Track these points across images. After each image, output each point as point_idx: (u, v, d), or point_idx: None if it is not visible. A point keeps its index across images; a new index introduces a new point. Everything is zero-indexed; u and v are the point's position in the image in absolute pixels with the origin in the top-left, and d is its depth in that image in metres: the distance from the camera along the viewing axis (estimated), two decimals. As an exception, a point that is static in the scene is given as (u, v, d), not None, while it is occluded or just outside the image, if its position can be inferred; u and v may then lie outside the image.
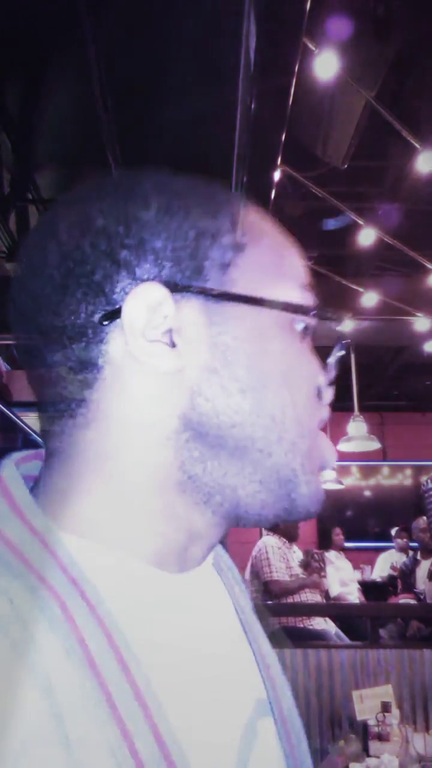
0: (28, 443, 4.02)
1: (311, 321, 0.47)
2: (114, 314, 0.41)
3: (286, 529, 4.22)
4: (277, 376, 0.44)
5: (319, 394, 0.48)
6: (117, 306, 0.41)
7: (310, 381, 0.47)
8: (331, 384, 0.49)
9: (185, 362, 0.42)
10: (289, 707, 0.49)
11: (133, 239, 0.42)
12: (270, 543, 4.12)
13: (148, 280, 0.41)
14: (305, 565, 4.25)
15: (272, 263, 0.46)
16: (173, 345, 0.42)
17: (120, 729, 0.34)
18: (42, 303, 0.43)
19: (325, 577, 4.39)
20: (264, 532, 4.69)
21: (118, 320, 0.41)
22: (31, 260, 0.45)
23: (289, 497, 0.44)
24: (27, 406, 7.40)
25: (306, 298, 0.46)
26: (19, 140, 3.89)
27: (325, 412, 0.48)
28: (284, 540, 4.18)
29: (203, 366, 0.42)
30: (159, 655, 0.39)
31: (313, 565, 4.28)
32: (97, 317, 0.41)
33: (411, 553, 5.36)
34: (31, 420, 6.76)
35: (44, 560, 0.38)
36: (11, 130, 3.78)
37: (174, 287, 0.42)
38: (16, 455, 0.45)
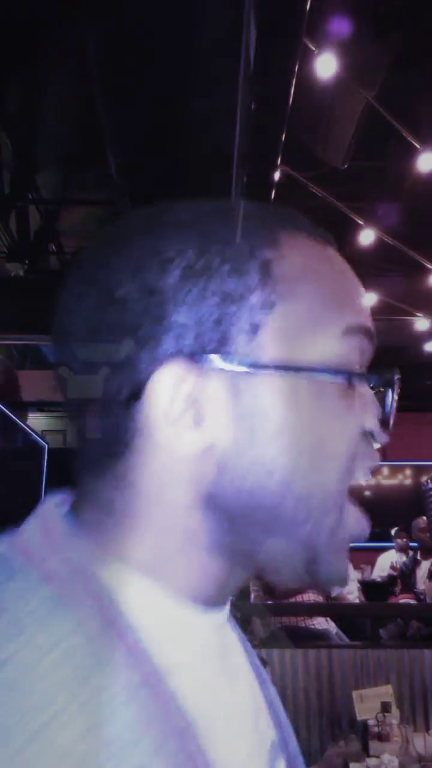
0: (28, 443, 4.03)
1: (363, 380, 0.44)
2: (138, 393, 0.40)
3: None
4: (309, 452, 0.42)
5: (370, 438, 0.45)
6: (141, 384, 0.40)
7: (350, 443, 0.43)
8: (384, 424, 0.46)
9: (210, 441, 0.41)
10: (294, 748, 0.51)
11: (153, 313, 0.40)
12: None
13: (170, 356, 0.40)
14: None
15: (310, 314, 0.42)
16: (198, 423, 0.41)
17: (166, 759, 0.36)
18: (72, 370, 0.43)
19: None
20: None
21: (144, 397, 0.40)
22: (61, 326, 0.44)
23: (313, 572, 0.43)
24: (27, 406, 7.39)
25: (352, 347, 0.44)
26: (20, 140, 3.88)
27: (375, 457, 0.46)
28: None
29: (230, 443, 0.41)
30: (200, 692, 0.41)
31: None
32: (123, 394, 0.41)
33: (411, 553, 5.36)
34: (31, 420, 6.75)
35: (112, 604, 0.39)
36: (12, 130, 3.78)
37: (197, 361, 0.40)
38: (58, 498, 0.45)
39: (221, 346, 0.40)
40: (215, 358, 0.40)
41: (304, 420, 0.41)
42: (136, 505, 0.42)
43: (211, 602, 0.44)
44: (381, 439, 0.46)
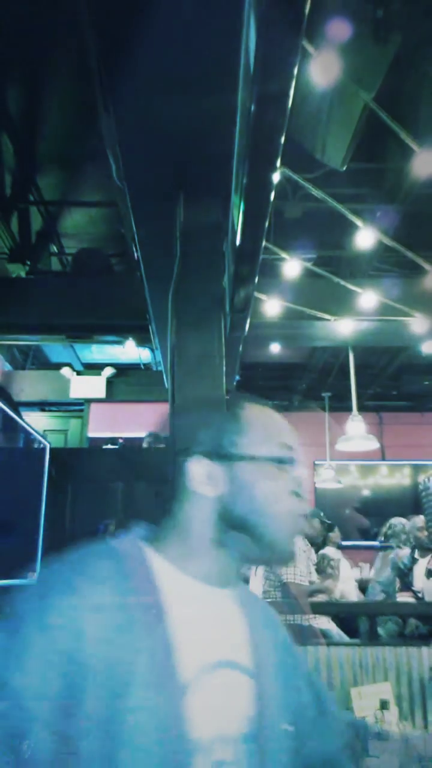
0: (29, 444, 4.05)
1: (287, 464, 0.91)
2: (186, 472, 0.91)
3: (311, 534, 4.27)
4: (265, 494, 0.89)
5: (295, 495, 0.91)
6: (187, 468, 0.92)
7: (287, 494, 0.90)
8: (297, 492, 0.92)
9: (221, 493, 0.89)
10: (271, 678, 0.91)
11: (192, 438, 0.93)
12: (298, 544, 4.14)
13: (200, 454, 0.91)
14: (320, 570, 4.30)
15: (263, 437, 0.92)
16: (213, 485, 0.90)
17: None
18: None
19: (336, 584, 4.45)
20: None
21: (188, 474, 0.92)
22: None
23: (274, 553, 0.90)
24: (28, 406, 7.38)
25: (284, 452, 0.91)
26: (21, 142, 3.90)
27: (304, 506, 0.93)
28: (307, 542, 4.22)
29: (230, 494, 0.89)
30: (187, 612, 0.85)
31: (327, 571, 4.33)
32: (182, 473, 0.92)
33: (409, 551, 5.37)
34: (32, 419, 6.73)
35: (150, 580, 0.86)
36: (13, 132, 3.80)
37: (211, 457, 0.90)
38: (141, 532, 0.94)
39: (223, 452, 0.90)
40: (221, 456, 0.90)
41: (260, 482, 0.90)
42: (188, 525, 0.90)
43: (213, 582, 0.90)
44: (300, 498, 0.92)
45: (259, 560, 0.93)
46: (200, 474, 0.90)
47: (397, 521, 4.78)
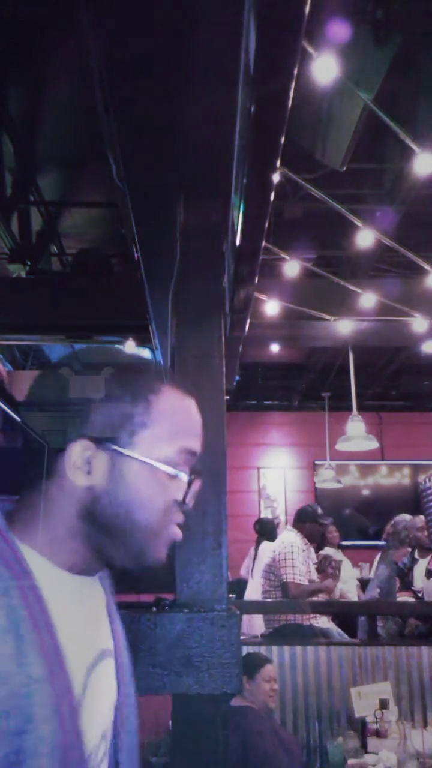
0: (29, 443, 4.03)
1: (180, 473, 0.82)
2: (64, 449, 0.81)
3: (310, 532, 4.26)
4: (141, 502, 0.80)
5: (179, 505, 0.83)
6: (68, 446, 0.81)
7: (165, 503, 0.81)
8: (184, 503, 0.83)
9: (92, 483, 0.80)
10: (125, 659, 0.89)
11: (86, 415, 0.83)
12: (296, 543, 4.13)
13: (85, 437, 0.80)
14: (320, 569, 4.29)
15: (162, 434, 0.82)
16: (89, 472, 0.80)
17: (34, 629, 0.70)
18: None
19: (336, 583, 4.45)
20: (287, 527, 4.70)
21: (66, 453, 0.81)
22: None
23: (139, 559, 0.82)
24: (28, 406, 7.37)
25: (181, 458, 0.82)
26: (21, 142, 3.90)
27: (180, 517, 0.84)
28: (306, 541, 4.22)
29: (102, 486, 0.80)
30: (63, 611, 0.76)
31: (327, 571, 4.32)
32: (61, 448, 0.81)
33: (409, 551, 5.38)
34: (31, 420, 6.72)
35: (20, 564, 0.74)
36: (13, 132, 3.80)
37: (97, 442, 0.80)
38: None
39: (113, 438, 0.80)
40: (105, 445, 0.80)
41: (143, 486, 0.80)
42: (47, 511, 0.80)
43: (79, 571, 0.81)
44: (184, 508, 0.83)
45: (119, 564, 0.83)
46: (77, 457, 0.79)
47: (401, 518, 4.78)
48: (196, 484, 0.83)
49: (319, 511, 4.42)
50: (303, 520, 4.32)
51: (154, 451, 0.80)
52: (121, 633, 0.91)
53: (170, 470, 0.80)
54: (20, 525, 0.78)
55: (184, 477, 0.81)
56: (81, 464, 0.79)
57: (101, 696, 0.81)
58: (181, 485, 0.82)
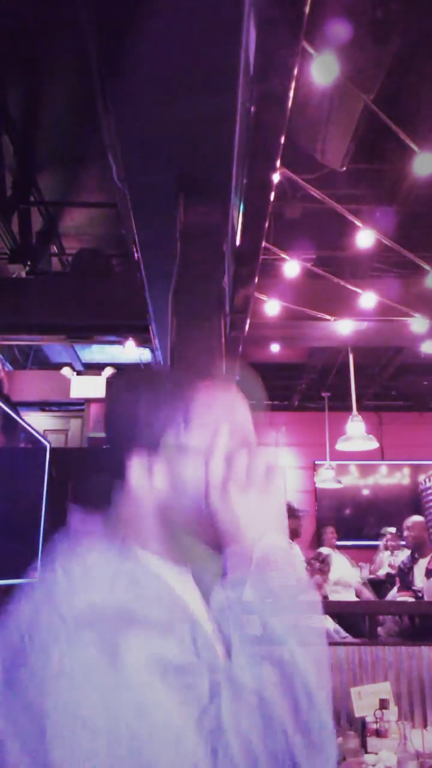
0: (30, 443, 4.05)
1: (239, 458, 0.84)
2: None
3: (291, 528, 4.26)
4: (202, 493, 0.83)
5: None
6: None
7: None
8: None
9: (159, 486, 0.83)
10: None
11: (140, 431, 0.84)
12: (280, 544, 4.14)
13: (142, 446, 0.83)
14: (309, 565, 4.29)
15: (214, 427, 0.82)
16: (152, 478, 0.83)
17: None
18: None
19: (326, 581, 4.44)
20: None
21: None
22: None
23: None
24: (28, 406, 7.37)
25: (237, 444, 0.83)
26: (21, 142, 3.91)
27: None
28: (288, 539, 4.22)
29: (168, 488, 0.83)
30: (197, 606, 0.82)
31: (314, 566, 4.32)
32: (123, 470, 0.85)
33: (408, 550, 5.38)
34: (33, 419, 6.73)
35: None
36: (13, 132, 3.80)
37: (153, 449, 0.82)
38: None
39: (165, 443, 0.81)
40: (161, 449, 0.81)
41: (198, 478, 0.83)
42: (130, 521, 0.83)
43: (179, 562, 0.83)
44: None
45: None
46: (139, 467, 0.81)
47: (412, 519, 4.85)
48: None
49: (294, 505, 4.44)
50: None
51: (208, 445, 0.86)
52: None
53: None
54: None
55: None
56: (143, 473, 0.84)
57: None
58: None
